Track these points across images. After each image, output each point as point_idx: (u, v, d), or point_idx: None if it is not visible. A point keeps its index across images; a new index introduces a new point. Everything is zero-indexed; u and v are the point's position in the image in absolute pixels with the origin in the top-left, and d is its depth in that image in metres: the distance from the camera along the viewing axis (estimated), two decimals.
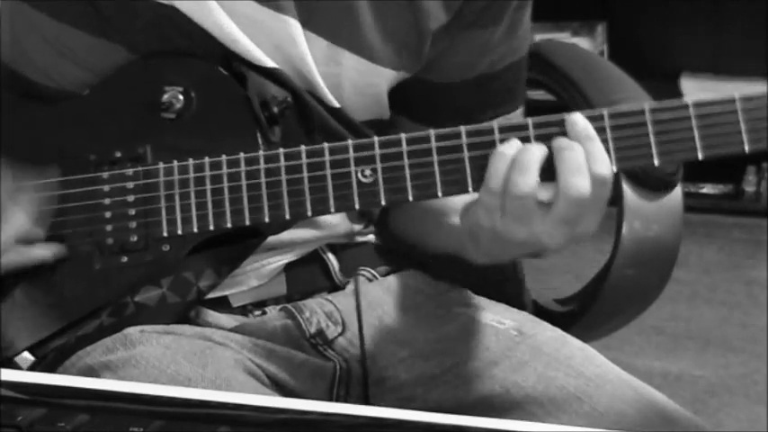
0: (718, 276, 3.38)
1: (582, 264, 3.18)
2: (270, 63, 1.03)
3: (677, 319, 3.04)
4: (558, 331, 1.13)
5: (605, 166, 0.95)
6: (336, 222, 1.13)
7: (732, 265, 3.46)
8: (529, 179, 0.94)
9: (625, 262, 1.33)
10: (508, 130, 0.96)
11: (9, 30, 1.05)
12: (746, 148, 0.96)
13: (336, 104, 1.07)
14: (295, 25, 1.05)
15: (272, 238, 1.06)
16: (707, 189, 3.91)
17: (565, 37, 3.94)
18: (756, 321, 3.01)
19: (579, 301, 1.37)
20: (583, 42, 3.94)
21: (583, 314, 1.35)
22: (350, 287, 1.14)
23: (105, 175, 1.00)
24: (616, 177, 1.34)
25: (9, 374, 0.71)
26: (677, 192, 1.34)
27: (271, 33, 1.03)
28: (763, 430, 2.44)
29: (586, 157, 0.94)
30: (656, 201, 1.33)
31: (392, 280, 1.16)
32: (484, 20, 1.12)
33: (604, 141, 0.96)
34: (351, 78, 1.07)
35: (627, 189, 1.31)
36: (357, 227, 1.16)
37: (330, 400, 1.07)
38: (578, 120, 0.96)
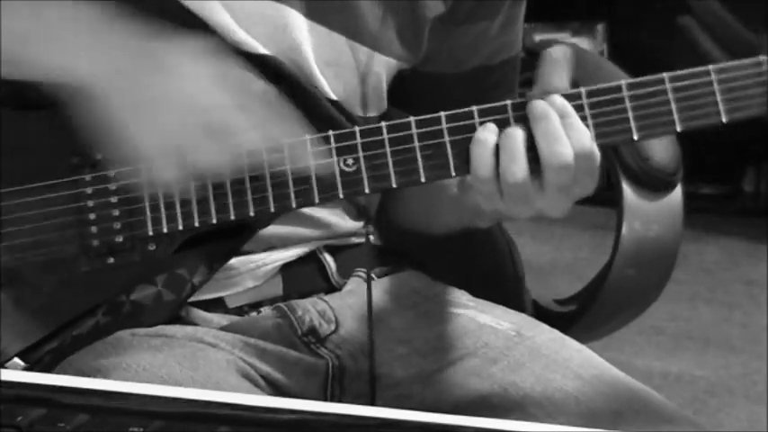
0: (718, 276, 3.38)
1: (582, 264, 3.19)
2: (262, 50, 1.03)
3: (677, 319, 3.04)
4: (557, 333, 1.13)
5: (585, 137, 0.96)
6: (334, 222, 1.13)
7: (732, 265, 3.46)
8: (521, 164, 0.96)
9: (625, 262, 1.33)
10: (487, 114, 0.98)
11: None
12: (724, 118, 0.97)
13: (333, 96, 1.07)
14: (293, 14, 1.05)
15: (269, 235, 1.06)
16: (707, 189, 3.91)
17: (565, 37, 3.94)
18: (756, 321, 3.02)
19: (579, 302, 1.37)
20: (583, 42, 3.94)
21: (583, 314, 1.35)
22: (346, 288, 1.14)
23: (88, 177, 1.00)
24: (616, 178, 1.34)
25: (9, 374, 0.71)
26: (677, 192, 1.34)
27: (265, 21, 1.04)
28: (763, 430, 2.44)
29: (566, 131, 0.96)
30: (656, 201, 1.33)
31: (390, 281, 1.16)
32: (479, 13, 1.13)
33: (584, 119, 0.97)
34: (352, 68, 1.07)
35: (627, 189, 1.32)
36: (355, 226, 1.16)
37: (324, 397, 1.07)
38: (556, 99, 0.97)
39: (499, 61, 1.16)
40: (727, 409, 2.59)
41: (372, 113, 1.11)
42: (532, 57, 1.25)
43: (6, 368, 0.99)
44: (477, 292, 1.18)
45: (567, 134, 0.96)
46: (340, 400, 1.07)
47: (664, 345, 2.92)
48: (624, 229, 1.32)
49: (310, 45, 1.06)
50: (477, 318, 1.12)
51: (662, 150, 1.32)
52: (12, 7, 0.97)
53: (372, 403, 1.06)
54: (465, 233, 1.14)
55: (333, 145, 0.98)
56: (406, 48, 1.11)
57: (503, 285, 1.28)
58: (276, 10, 1.04)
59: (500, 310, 1.15)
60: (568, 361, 1.08)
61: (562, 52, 0.98)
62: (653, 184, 1.32)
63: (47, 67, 0.97)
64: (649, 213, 1.33)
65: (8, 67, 0.98)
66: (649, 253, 1.34)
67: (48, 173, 1.00)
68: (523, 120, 0.97)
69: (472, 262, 1.27)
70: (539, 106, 0.97)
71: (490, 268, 1.26)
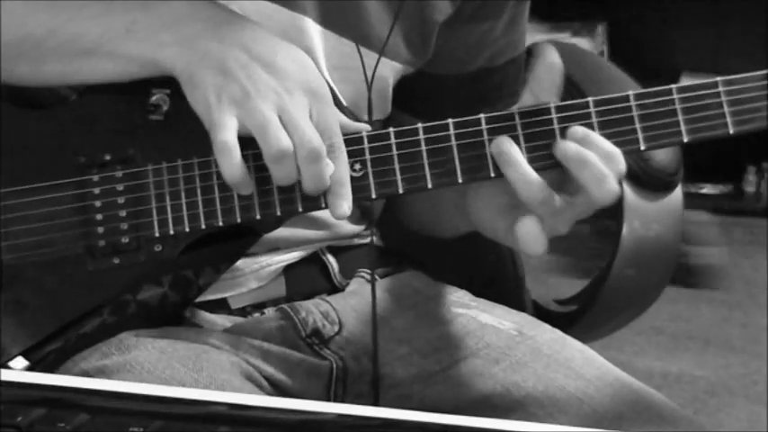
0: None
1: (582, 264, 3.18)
2: None
3: (677, 319, 3.04)
4: (558, 333, 1.13)
5: (621, 165, 0.96)
6: (337, 223, 1.13)
7: (732, 265, 3.46)
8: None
9: (625, 262, 1.33)
10: (495, 121, 0.98)
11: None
12: (731, 129, 0.97)
13: (343, 102, 1.07)
14: (305, 20, 1.05)
15: (273, 237, 1.06)
16: (707, 189, 3.91)
17: (565, 37, 3.94)
18: (756, 321, 3.02)
19: (579, 302, 1.37)
20: (583, 42, 3.94)
21: (583, 314, 1.35)
22: (348, 288, 1.14)
23: (95, 177, 1.00)
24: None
25: (9, 374, 0.71)
26: (677, 192, 1.34)
27: (279, 26, 1.04)
28: (763, 430, 2.45)
29: (606, 163, 0.95)
30: (656, 201, 1.33)
31: (391, 281, 1.16)
32: (484, 13, 1.13)
33: (590, 127, 0.97)
34: (360, 72, 1.07)
35: (627, 189, 1.32)
36: (358, 228, 1.16)
37: (327, 398, 1.07)
38: (599, 142, 0.97)
39: (503, 62, 1.16)
40: (727, 409, 2.59)
41: (377, 117, 1.11)
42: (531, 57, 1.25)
43: (10, 366, 0.99)
44: (478, 293, 1.18)
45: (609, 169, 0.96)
46: (342, 401, 1.07)
47: (664, 345, 2.92)
48: (624, 229, 1.33)
49: (322, 50, 1.06)
50: (479, 317, 1.12)
51: (662, 151, 1.32)
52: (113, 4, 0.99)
53: (376, 404, 1.06)
54: (467, 235, 1.14)
55: None
56: (413, 52, 1.11)
57: (503, 285, 1.28)
58: (289, 17, 1.04)
59: (502, 309, 1.15)
60: (570, 361, 1.08)
61: (552, 56, 0.98)
62: (653, 184, 1.32)
63: (146, 56, 0.98)
64: (649, 213, 1.33)
65: (102, 61, 0.99)
66: (649, 253, 1.34)
67: (55, 172, 1.00)
68: (530, 126, 0.97)
69: (473, 262, 1.27)
70: (574, 153, 0.96)
71: (491, 268, 1.26)
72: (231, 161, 0.93)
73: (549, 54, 0.98)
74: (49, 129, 1.03)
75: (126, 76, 0.99)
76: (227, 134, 0.93)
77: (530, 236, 0.97)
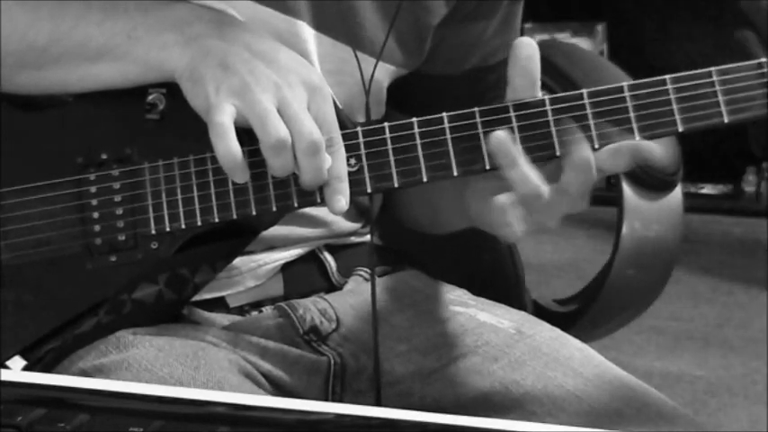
0: (719, 276, 3.39)
1: (582, 264, 3.19)
2: None
3: (677, 319, 3.04)
4: (558, 331, 1.13)
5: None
6: (334, 221, 1.13)
7: (732, 265, 3.47)
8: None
9: (625, 262, 1.33)
10: (489, 114, 0.98)
11: None
12: (725, 119, 0.97)
13: (339, 105, 1.07)
14: (299, 24, 1.05)
15: (270, 235, 1.06)
16: (707, 189, 3.92)
17: (565, 37, 3.96)
18: (756, 321, 3.02)
19: (579, 302, 1.38)
20: (583, 42, 3.95)
21: (583, 314, 1.36)
22: (346, 287, 1.14)
23: (92, 176, 1.00)
24: (616, 178, 1.34)
25: (9, 374, 0.71)
26: (677, 192, 1.35)
27: (274, 31, 1.04)
28: (763, 430, 2.45)
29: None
30: (656, 201, 1.33)
31: (390, 279, 1.16)
32: (478, 13, 1.13)
33: (585, 118, 0.97)
34: (354, 76, 1.07)
35: (627, 189, 1.32)
36: (355, 226, 1.16)
37: (326, 395, 1.07)
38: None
39: (497, 61, 1.16)
40: (727, 409, 2.59)
41: (372, 118, 1.11)
42: None
43: (8, 366, 0.99)
44: (477, 292, 1.18)
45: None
46: (341, 398, 1.08)
47: (664, 345, 2.93)
48: (624, 229, 1.33)
49: (316, 54, 1.07)
50: (478, 316, 1.13)
51: (662, 150, 1.32)
52: (112, 6, 0.99)
53: (378, 402, 1.06)
54: (465, 233, 1.14)
55: None
56: (407, 55, 1.11)
57: (503, 285, 1.28)
58: (284, 21, 1.05)
59: (501, 308, 1.15)
60: (569, 359, 1.08)
61: (529, 49, 0.97)
62: (653, 184, 1.32)
63: (150, 59, 0.98)
64: (649, 213, 1.33)
65: (106, 64, 0.99)
66: (649, 253, 1.34)
67: (53, 172, 1.00)
68: (525, 118, 0.97)
69: (473, 262, 1.27)
70: (585, 160, 0.95)
71: (490, 268, 1.26)
72: (227, 143, 0.93)
73: (527, 46, 0.97)
74: (46, 129, 1.03)
75: (127, 82, 1.00)
76: (223, 116, 0.93)
77: (506, 218, 0.98)
